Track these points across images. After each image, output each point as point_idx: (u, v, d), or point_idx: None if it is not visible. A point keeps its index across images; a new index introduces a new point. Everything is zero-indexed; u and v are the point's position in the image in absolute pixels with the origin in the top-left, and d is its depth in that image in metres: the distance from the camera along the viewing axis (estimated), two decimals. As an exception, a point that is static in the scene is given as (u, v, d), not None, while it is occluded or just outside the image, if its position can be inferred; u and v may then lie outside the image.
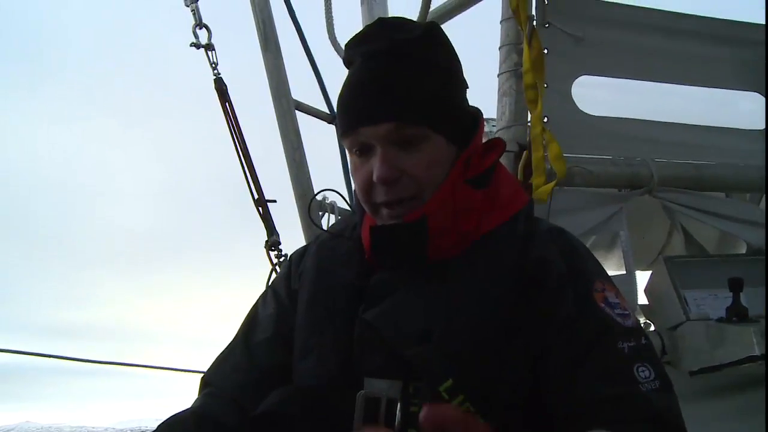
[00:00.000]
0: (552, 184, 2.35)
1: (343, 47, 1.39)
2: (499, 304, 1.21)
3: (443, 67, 1.30)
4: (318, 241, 1.52)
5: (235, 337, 1.50)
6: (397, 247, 1.29)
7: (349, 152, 1.32)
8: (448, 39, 1.35)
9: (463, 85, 1.36)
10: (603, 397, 1.14)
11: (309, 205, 1.57)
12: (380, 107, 1.22)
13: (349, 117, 1.26)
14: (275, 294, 1.50)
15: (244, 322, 1.52)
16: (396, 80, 1.23)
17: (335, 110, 1.34)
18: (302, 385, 1.33)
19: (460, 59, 1.34)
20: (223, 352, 1.50)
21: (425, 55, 1.27)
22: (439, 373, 1.17)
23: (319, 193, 1.67)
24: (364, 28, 1.34)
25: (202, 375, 1.49)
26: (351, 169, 1.33)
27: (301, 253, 1.54)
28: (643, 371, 1.16)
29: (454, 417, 0.80)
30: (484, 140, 1.39)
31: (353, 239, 1.41)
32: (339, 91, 1.32)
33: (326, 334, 1.32)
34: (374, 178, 1.23)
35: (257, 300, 1.54)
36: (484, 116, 3.06)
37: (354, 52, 1.30)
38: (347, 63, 1.34)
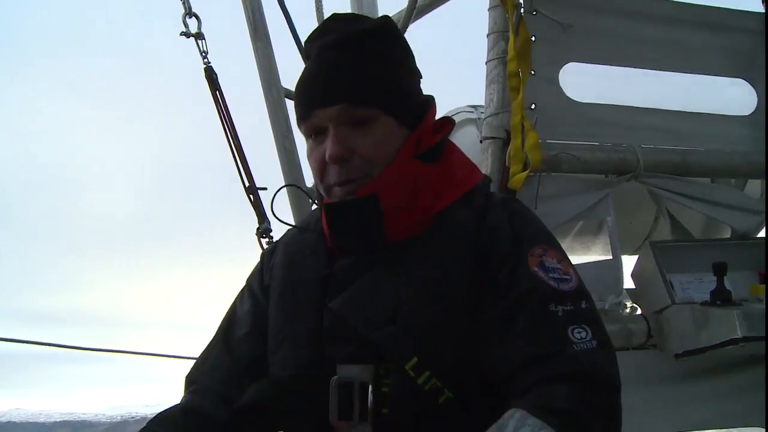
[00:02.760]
0: (525, 173, 2.39)
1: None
2: (458, 280, 1.26)
3: (393, 57, 1.38)
4: (287, 236, 1.57)
5: (215, 335, 1.55)
6: (351, 223, 1.34)
7: (306, 138, 1.38)
8: (400, 32, 1.45)
9: (416, 74, 1.43)
10: (532, 357, 1.17)
11: (272, 199, 1.62)
12: (332, 90, 1.30)
13: (304, 102, 1.34)
14: (250, 291, 1.55)
15: (223, 320, 1.57)
16: (347, 66, 1.31)
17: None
18: (277, 376, 1.37)
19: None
20: (204, 350, 1.55)
21: (376, 46, 1.35)
22: (404, 353, 1.22)
23: (280, 189, 1.72)
24: (320, 24, 1.42)
25: (185, 375, 1.54)
26: (307, 154, 1.39)
27: (271, 250, 1.59)
28: (579, 332, 1.18)
29: None
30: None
31: (317, 231, 1.45)
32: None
33: (297, 325, 1.37)
34: (326, 157, 1.29)
35: (235, 298, 1.59)
36: (473, 103, 3.10)
37: (311, 46, 1.38)
38: (305, 57, 1.42)
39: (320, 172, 1.35)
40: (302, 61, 1.48)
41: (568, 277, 1.27)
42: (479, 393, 1.24)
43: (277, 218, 1.56)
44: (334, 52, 1.33)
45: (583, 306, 1.24)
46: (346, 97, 1.29)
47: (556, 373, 1.14)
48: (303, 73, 1.38)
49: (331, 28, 1.37)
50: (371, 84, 1.31)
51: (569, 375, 1.13)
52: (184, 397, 1.47)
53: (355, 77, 1.31)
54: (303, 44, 1.45)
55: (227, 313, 1.57)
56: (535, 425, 1.06)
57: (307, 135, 1.37)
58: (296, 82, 1.40)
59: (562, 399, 1.10)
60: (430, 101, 1.44)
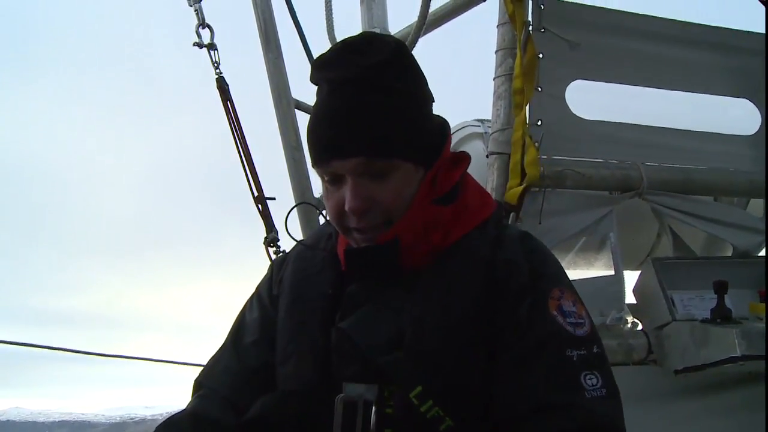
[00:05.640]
0: (521, 188, 2.41)
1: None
2: (467, 312, 1.28)
3: (409, 91, 1.32)
4: (296, 251, 1.58)
5: (224, 342, 1.57)
6: (370, 267, 1.35)
7: (321, 179, 1.36)
8: (412, 57, 1.38)
9: (429, 100, 1.39)
10: (546, 404, 1.20)
11: (286, 218, 1.62)
12: (349, 142, 1.26)
13: (319, 149, 1.31)
14: (259, 299, 1.57)
15: (232, 326, 1.59)
16: (363, 113, 1.26)
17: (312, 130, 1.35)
18: (283, 390, 1.39)
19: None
20: (213, 355, 1.57)
21: (390, 83, 1.29)
22: (409, 381, 1.23)
23: (294, 207, 1.73)
24: (328, 51, 1.35)
25: (194, 379, 1.56)
26: (323, 195, 1.38)
27: (282, 260, 1.60)
28: (590, 379, 1.21)
29: None
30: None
31: (327, 250, 1.48)
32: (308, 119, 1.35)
33: (303, 341, 1.39)
34: (346, 208, 1.28)
35: (244, 305, 1.61)
36: (481, 117, 3.12)
37: (320, 76, 1.33)
38: (313, 82, 1.37)
39: (338, 215, 1.34)
40: (311, 76, 1.42)
41: (582, 320, 1.30)
42: (479, 422, 1.26)
43: (290, 236, 1.55)
44: (349, 91, 1.28)
45: (595, 351, 1.27)
46: (365, 151, 1.26)
47: (568, 427, 1.17)
48: (315, 111, 1.34)
49: (343, 59, 1.30)
50: (390, 134, 1.27)
51: (581, 429, 1.17)
52: (191, 401, 1.48)
53: (374, 128, 1.26)
54: (312, 62, 1.35)
55: (236, 320, 1.59)
56: None
57: (322, 178, 1.35)
58: (309, 120, 1.36)
59: None
60: (443, 130, 1.43)
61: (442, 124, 1.43)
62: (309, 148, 1.35)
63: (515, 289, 1.29)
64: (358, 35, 1.40)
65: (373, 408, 1.27)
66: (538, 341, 1.25)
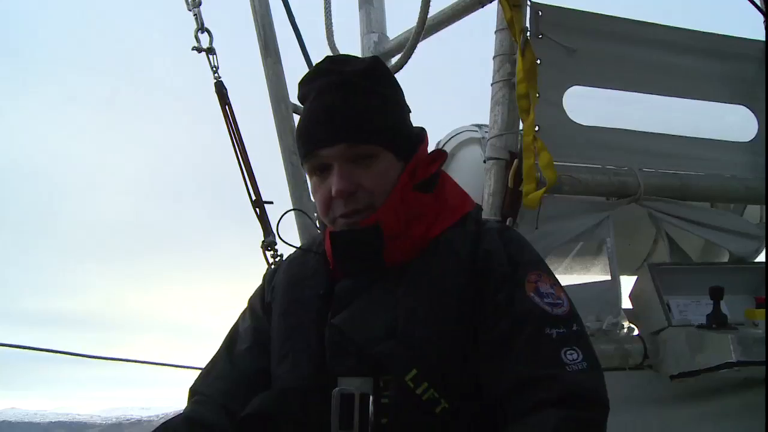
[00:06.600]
0: (542, 191, 2.41)
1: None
2: (452, 297, 1.35)
3: (385, 94, 1.47)
4: (288, 258, 1.67)
5: (218, 351, 1.62)
6: (355, 250, 1.43)
7: (310, 175, 1.47)
8: (389, 71, 1.57)
9: (406, 109, 1.53)
10: (529, 378, 1.25)
11: (278, 223, 1.73)
12: (335, 130, 1.39)
13: (308, 142, 1.42)
14: (252, 310, 1.64)
15: (226, 337, 1.64)
16: (348, 106, 1.40)
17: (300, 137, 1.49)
18: (280, 387, 1.44)
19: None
20: (208, 363, 1.62)
21: (369, 86, 1.43)
22: (403, 365, 1.29)
23: (286, 213, 1.82)
24: (314, 67, 1.52)
25: (189, 387, 1.58)
26: (312, 190, 1.49)
27: (272, 271, 1.68)
28: (570, 354, 1.27)
29: None
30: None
31: (319, 253, 1.55)
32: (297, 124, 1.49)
33: (299, 340, 1.44)
34: (333, 192, 1.38)
35: (238, 318, 1.67)
36: (479, 123, 3.13)
37: (308, 89, 1.46)
38: (302, 99, 1.50)
39: (326, 206, 1.43)
40: (298, 92, 1.53)
41: (560, 301, 1.36)
42: (472, 404, 1.31)
43: (283, 240, 1.64)
44: (333, 93, 1.42)
45: (574, 328, 1.33)
46: (349, 137, 1.39)
47: (549, 397, 1.21)
48: (304, 114, 1.47)
49: (328, 69, 1.46)
50: (371, 123, 1.41)
51: (562, 398, 1.21)
52: (187, 407, 1.52)
53: (357, 117, 1.40)
54: (299, 82, 1.51)
55: (230, 330, 1.65)
56: None
57: (311, 173, 1.46)
58: (298, 123, 1.49)
59: (552, 424, 1.18)
60: (421, 134, 1.54)
61: (420, 130, 1.55)
62: (299, 148, 1.49)
63: (496, 276, 1.36)
64: (338, 55, 1.61)
65: (371, 398, 1.31)
66: (516, 321, 1.31)
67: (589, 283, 2.83)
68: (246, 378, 1.51)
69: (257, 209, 2.80)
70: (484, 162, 2.63)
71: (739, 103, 3.01)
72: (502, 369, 1.28)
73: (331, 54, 3.08)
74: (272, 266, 2.68)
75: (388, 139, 1.43)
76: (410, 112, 1.54)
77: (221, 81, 2.81)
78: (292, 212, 2.75)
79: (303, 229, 2.67)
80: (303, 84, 1.49)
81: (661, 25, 2.92)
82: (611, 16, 2.82)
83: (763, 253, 2.96)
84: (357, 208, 1.40)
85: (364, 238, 1.40)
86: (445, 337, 1.32)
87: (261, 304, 1.61)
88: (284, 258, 1.74)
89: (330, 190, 1.39)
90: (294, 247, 1.65)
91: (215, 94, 2.80)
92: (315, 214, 1.77)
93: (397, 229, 1.40)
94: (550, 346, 1.28)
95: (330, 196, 1.40)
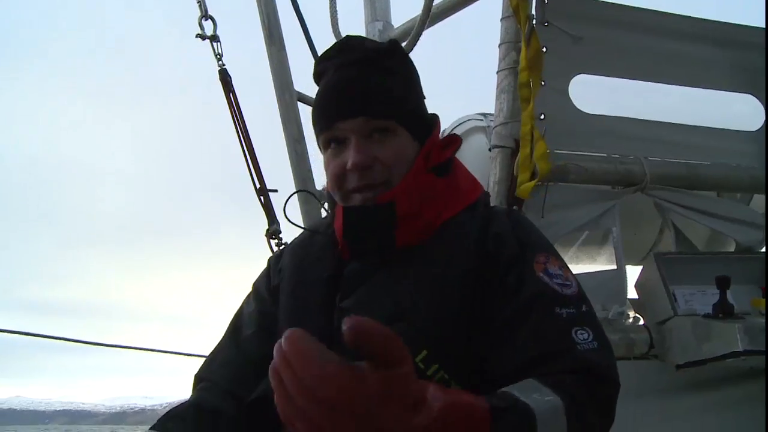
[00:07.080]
0: (533, 182, 2.41)
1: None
2: (463, 283, 1.33)
3: (405, 75, 1.48)
4: (295, 241, 1.64)
5: (223, 336, 1.60)
6: (367, 229, 1.40)
7: (324, 148, 1.44)
8: (408, 55, 1.54)
9: (422, 94, 1.53)
10: (538, 355, 1.23)
11: (285, 204, 1.69)
12: (354, 103, 1.38)
13: (326, 115, 1.42)
14: (257, 293, 1.61)
15: (231, 322, 1.62)
16: (367, 81, 1.40)
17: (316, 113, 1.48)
18: None
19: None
20: (213, 349, 1.60)
21: (390, 64, 1.45)
22: (413, 346, 1.24)
23: (293, 194, 1.79)
24: (333, 45, 1.51)
25: (194, 374, 1.57)
26: (325, 163, 1.46)
27: (278, 255, 1.66)
28: (581, 334, 1.25)
29: (375, 328, 0.89)
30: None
31: (327, 235, 1.52)
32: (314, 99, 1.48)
33: (307, 323, 1.40)
34: (349, 165, 1.36)
35: (242, 303, 1.64)
36: (484, 111, 3.12)
37: (327, 65, 1.47)
38: (317, 76, 1.49)
39: (339, 179, 1.41)
40: (314, 69, 1.52)
41: (569, 282, 1.35)
42: (482, 386, 1.29)
43: (290, 221, 1.62)
44: (353, 68, 1.42)
45: (584, 309, 1.32)
46: (367, 110, 1.37)
47: (563, 368, 1.20)
48: (322, 87, 1.46)
49: (349, 46, 1.46)
50: (389, 98, 1.40)
51: (575, 370, 1.19)
52: (193, 394, 1.51)
53: (375, 91, 1.39)
54: (316, 55, 1.50)
55: (234, 315, 1.63)
56: (546, 392, 1.12)
57: (326, 146, 1.43)
58: (315, 97, 1.47)
59: (568, 386, 1.15)
60: (435, 119, 1.53)
61: (434, 116, 1.54)
62: (315, 121, 1.46)
63: (505, 259, 1.35)
64: (355, 36, 1.57)
65: None
66: (526, 301, 1.30)
67: (595, 272, 2.81)
68: (252, 363, 1.48)
69: (261, 197, 2.80)
70: (490, 150, 2.62)
71: (747, 92, 3.00)
72: (514, 347, 1.27)
73: (336, 40, 3.07)
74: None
75: (406, 117, 1.42)
76: (425, 98, 1.53)
77: (225, 68, 2.81)
78: (297, 199, 2.74)
79: (308, 214, 2.66)
80: (320, 62, 1.48)
81: (667, 13, 2.90)
82: (618, 4, 2.80)
83: (769, 243, 2.95)
84: (371, 183, 1.38)
85: (379, 215, 1.38)
86: (454, 317, 1.31)
87: (267, 286, 1.59)
88: (287, 245, 1.71)
89: (345, 164, 1.37)
90: (301, 227, 1.63)
91: (219, 82, 2.79)
92: (323, 191, 1.74)
93: (411, 209, 1.38)
94: (561, 326, 1.26)
95: (344, 170, 1.38)
